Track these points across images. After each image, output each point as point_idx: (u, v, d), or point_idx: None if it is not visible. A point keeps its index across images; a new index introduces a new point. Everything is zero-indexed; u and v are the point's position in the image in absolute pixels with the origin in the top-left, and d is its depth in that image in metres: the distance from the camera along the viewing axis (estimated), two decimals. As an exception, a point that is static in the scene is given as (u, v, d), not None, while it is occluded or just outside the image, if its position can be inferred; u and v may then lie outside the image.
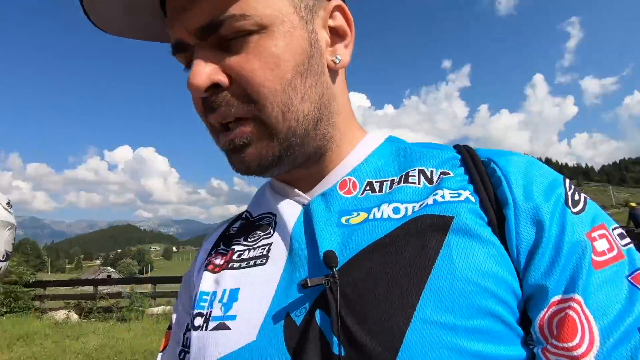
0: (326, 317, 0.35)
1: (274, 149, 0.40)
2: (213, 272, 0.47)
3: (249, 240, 0.48)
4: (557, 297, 0.33)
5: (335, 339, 0.33)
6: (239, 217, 0.56)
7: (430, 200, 0.38)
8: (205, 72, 0.37)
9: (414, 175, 0.42)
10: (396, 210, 0.39)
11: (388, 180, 0.43)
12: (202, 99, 0.40)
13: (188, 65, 0.42)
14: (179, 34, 0.39)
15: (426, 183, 0.41)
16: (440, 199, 0.38)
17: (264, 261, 0.43)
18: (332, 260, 0.36)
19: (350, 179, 0.45)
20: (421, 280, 0.33)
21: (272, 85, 0.38)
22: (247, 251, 0.46)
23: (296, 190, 0.47)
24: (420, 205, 0.38)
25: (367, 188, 0.44)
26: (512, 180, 0.38)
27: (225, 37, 0.37)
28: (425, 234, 0.35)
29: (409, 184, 0.41)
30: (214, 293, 0.44)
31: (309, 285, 0.35)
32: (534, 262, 0.34)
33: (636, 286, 0.32)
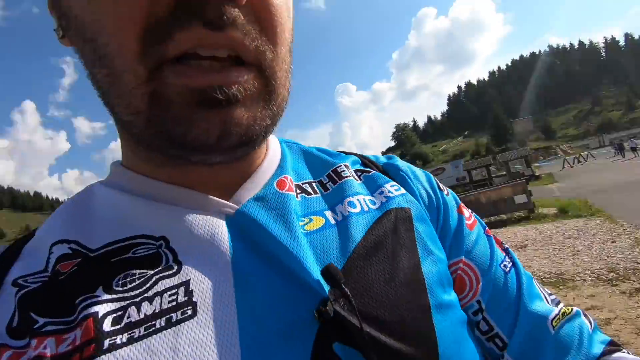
0: (350, 349, 0.28)
1: (266, 119, 0.30)
2: None
3: (119, 289, 0.28)
4: (452, 261, 0.41)
5: None
6: (27, 254, 0.31)
7: (380, 195, 0.39)
8: None
9: (344, 171, 0.40)
10: (352, 205, 0.37)
11: (314, 182, 0.39)
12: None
13: None
14: None
15: (356, 179, 0.41)
16: (389, 194, 0.39)
17: (189, 312, 0.27)
18: (336, 274, 0.29)
19: (287, 178, 0.37)
20: (418, 274, 0.34)
21: (287, 36, 0.31)
22: (129, 309, 0.27)
23: (209, 196, 0.33)
24: (371, 199, 0.38)
25: (299, 190, 0.38)
26: (411, 177, 0.44)
27: None
28: (398, 228, 0.36)
29: (346, 179, 0.39)
30: None
31: (326, 311, 0.28)
32: (443, 237, 0.42)
33: (491, 237, 0.46)
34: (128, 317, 0.27)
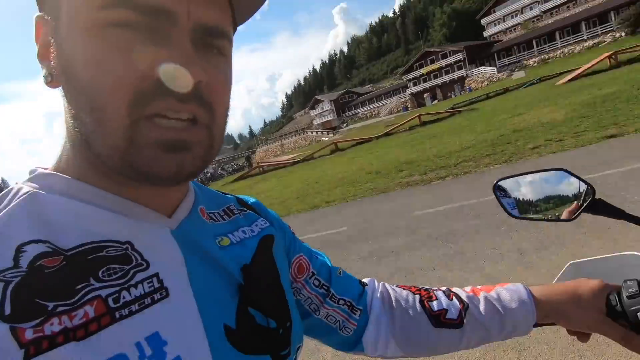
0: (255, 311, 0.45)
1: (205, 160, 0.40)
2: (76, 339, 0.32)
3: (107, 279, 0.35)
4: (295, 256, 0.61)
5: (272, 321, 0.46)
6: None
7: (255, 227, 0.55)
8: (199, 65, 0.35)
9: (233, 209, 0.55)
10: (244, 232, 0.52)
11: (216, 212, 0.53)
12: (161, 81, 0.33)
13: (130, 22, 0.33)
14: (175, 7, 0.34)
15: (240, 215, 0.55)
16: (262, 225, 0.56)
17: (164, 293, 0.38)
18: (248, 272, 0.47)
19: (203, 209, 0.50)
20: (277, 279, 0.52)
21: (225, 106, 0.41)
22: (123, 292, 0.35)
23: (156, 213, 0.42)
24: (250, 230, 0.53)
25: (210, 218, 0.51)
26: (262, 212, 0.61)
27: (210, 45, 0.38)
28: (268, 248, 0.53)
29: (236, 215, 0.55)
30: (120, 357, 0.33)
31: None
32: (287, 246, 0.61)
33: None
34: (124, 298, 0.35)
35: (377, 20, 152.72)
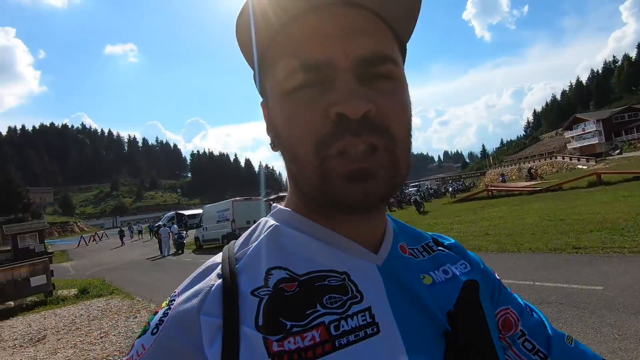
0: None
1: (392, 184, 0.40)
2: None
3: (330, 306, 0.39)
4: (500, 308, 0.55)
5: None
6: (249, 274, 0.42)
7: (456, 269, 0.51)
8: (365, 97, 0.38)
9: (434, 246, 0.53)
10: (446, 273, 0.49)
11: (416, 249, 0.52)
12: (338, 120, 0.38)
13: (306, 82, 0.39)
14: (332, 54, 0.38)
15: (441, 252, 0.53)
16: (464, 269, 0.52)
17: (375, 329, 0.39)
18: (454, 317, 0.44)
19: (404, 245, 0.49)
20: (486, 330, 0.46)
21: (405, 126, 0.42)
22: (342, 321, 0.39)
23: (364, 248, 0.44)
24: (454, 269, 0.51)
25: (412, 253, 0.50)
26: (461, 254, 0.56)
27: (375, 74, 0.40)
28: (474, 294, 0.48)
29: (436, 252, 0.52)
30: None
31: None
32: (492, 294, 0.55)
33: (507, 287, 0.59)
34: (343, 327, 0.38)
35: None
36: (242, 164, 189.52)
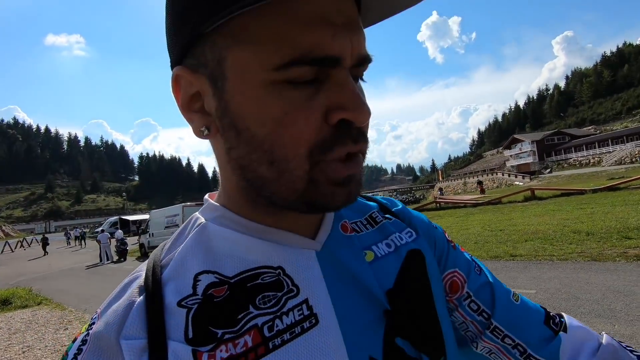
0: (404, 341, 0.41)
1: (362, 183, 0.41)
2: None
3: (263, 306, 0.37)
4: (447, 271, 0.54)
5: (423, 355, 0.42)
6: (176, 285, 0.39)
7: (402, 237, 0.50)
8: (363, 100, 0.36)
9: (377, 217, 0.51)
10: (389, 246, 0.48)
11: (359, 222, 0.50)
12: (339, 126, 0.35)
13: (303, 78, 0.34)
14: (343, 50, 0.34)
15: (387, 222, 0.51)
16: (407, 239, 0.50)
17: (314, 321, 0.38)
18: (394, 295, 0.43)
19: (347, 222, 0.48)
20: (430, 303, 0.46)
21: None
22: (276, 320, 0.37)
23: (301, 237, 0.42)
24: (397, 239, 0.49)
25: (354, 228, 0.48)
26: (407, 219, 0.55)
27: (357, 74, 0.38)
28: (417, 265, 0.48)
29: (383, 221, 0.51)
30: None
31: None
32: (440, 256, 0.54)
33: (458, 246, 0.58)
34: (277, 327, 0.36)
35: (615, 50, 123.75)
36: (195, 168, 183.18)
